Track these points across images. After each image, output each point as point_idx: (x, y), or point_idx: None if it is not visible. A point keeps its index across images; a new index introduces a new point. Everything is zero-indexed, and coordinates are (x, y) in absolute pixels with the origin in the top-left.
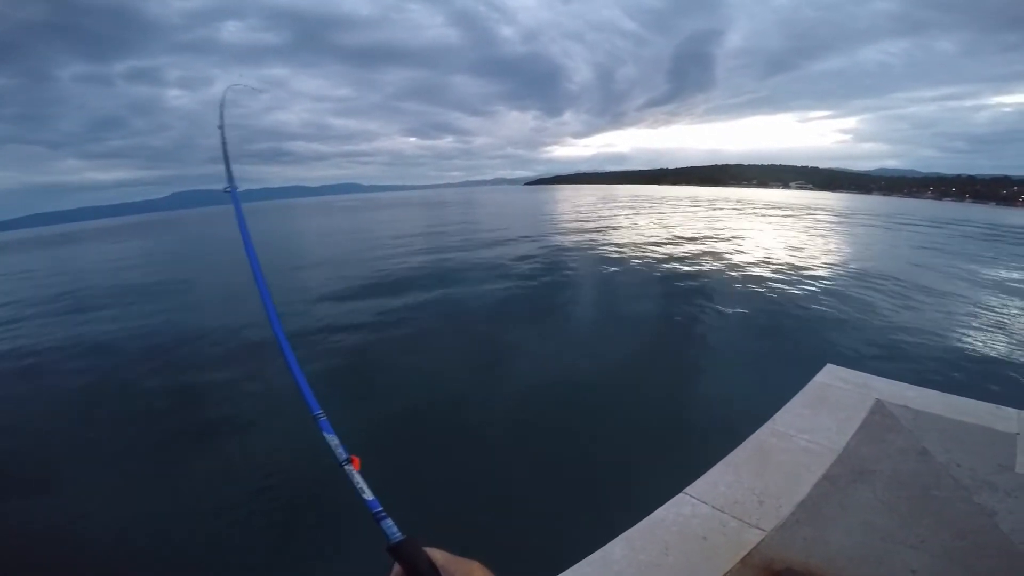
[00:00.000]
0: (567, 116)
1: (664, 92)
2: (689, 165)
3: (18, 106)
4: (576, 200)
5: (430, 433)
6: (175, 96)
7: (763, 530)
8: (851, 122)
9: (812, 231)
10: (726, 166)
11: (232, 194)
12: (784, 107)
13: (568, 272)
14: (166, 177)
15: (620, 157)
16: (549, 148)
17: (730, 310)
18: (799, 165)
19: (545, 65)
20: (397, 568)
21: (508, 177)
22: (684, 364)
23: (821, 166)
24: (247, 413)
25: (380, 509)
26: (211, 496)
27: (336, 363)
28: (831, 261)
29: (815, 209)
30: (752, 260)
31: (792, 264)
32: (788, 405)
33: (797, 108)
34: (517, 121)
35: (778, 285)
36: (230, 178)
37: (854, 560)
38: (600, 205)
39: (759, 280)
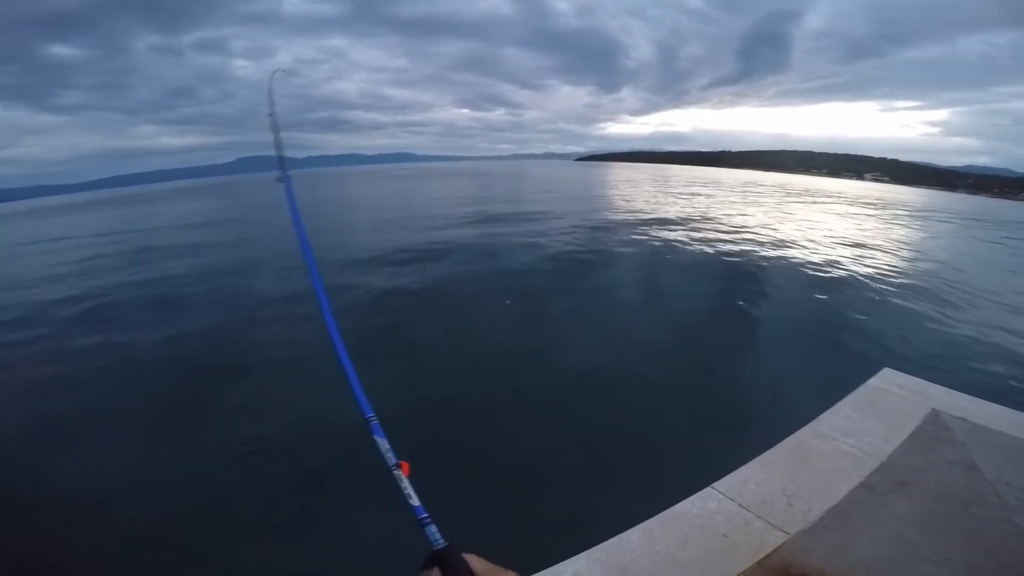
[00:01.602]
0: (624, 93)
1: (731, 72)
2: (753, 149)
3: (98, 76)
4: (630, 178)
5: (456, 405)
6: (241, 66)
7: (787, 533)
8: (942, 114)
9: (882, 226)
10: (794, 152)
11: (285, 184)
12: (866, 94)
13: (614, 251)
14: (232, 143)
15: (679, 137)
16: (603, 125)
17: (784, 303)
18: (876, 156)
19: (602, 41)
20: (437, 574)
21: (558, 152)
22: (729, 356)
23: (903, 158)
24: (283, 379)
25: (426, 515)
26: (237, 460)
27: (363, 327)
28: (900, 260)
29: (890, 204)
30: (811, 252)
31: (855, 260)
32: (836, 407)
33: (880, 96)
34: (570, 96)
35: (838, 281)
36: (283, 167)
37: (874, 572)
38: (656, 185)
39: (817, 274)
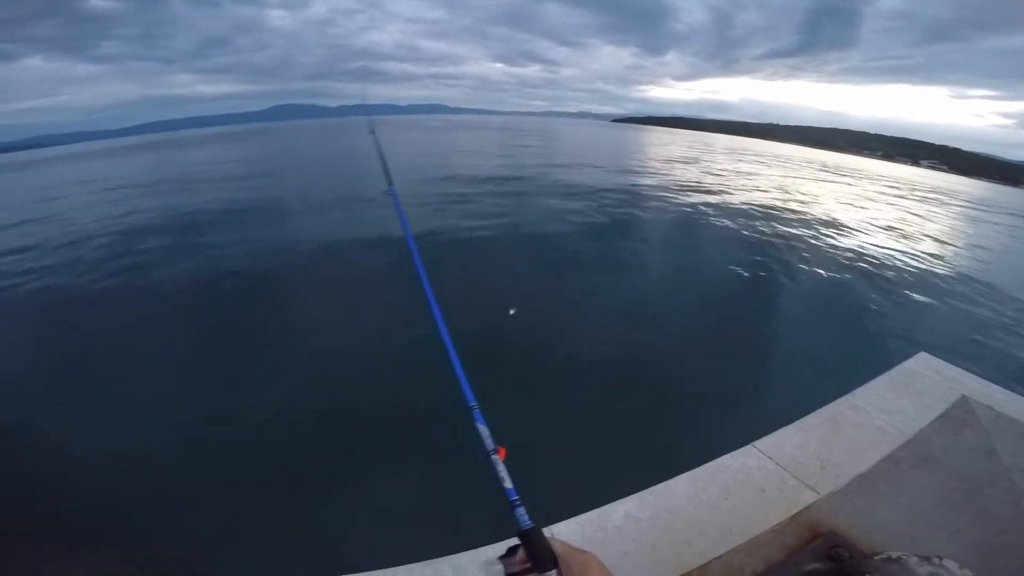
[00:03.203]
0: (670, 57)
1: (790, 44)
2: (804, 124)
3: (136, 27)
4: (671, 143)
5: (501, 355)
6: (276, 16)
7: (818, 493)
8: (1018, 106)
9: (935, 214)
10: (847, 131)
11: (392, 196)
12: (937, 79)
13: (660, 214)
14: (267, 91)
15: (724, 105)
16: (644, 87)
17: (828, 281)
18: (937, 143)
19: (651, 2)
20: (521, 553)
21: (594, 111)
22: (773, 325)
23: (965, 148)
24: (328, 323)
25: (516, 498)
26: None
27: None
28: (948, 250)
29: (945, 192)
30: (857, 233)
31: (900, 245)
32: (871, 383)
33: (953, 83)
34: (611, 56)
35: (883, 264)
36: (389, 181)
37: (890, 535)
38: (699, 153)
39: (862, 255)
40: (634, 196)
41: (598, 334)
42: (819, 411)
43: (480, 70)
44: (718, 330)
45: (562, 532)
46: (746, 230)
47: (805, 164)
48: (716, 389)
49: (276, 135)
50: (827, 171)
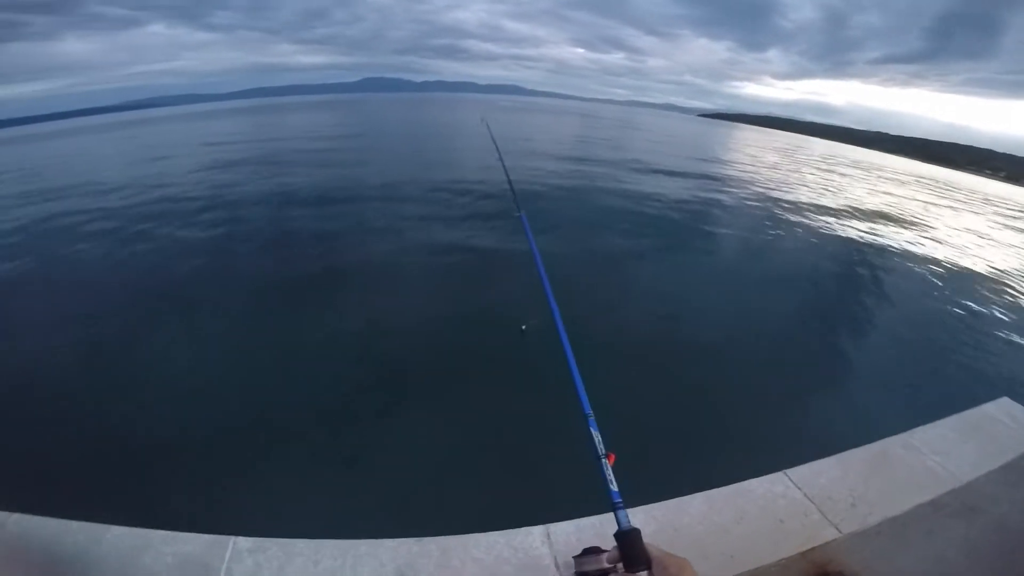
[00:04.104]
0: (771, 54)
1: (912, 50)
2: (916, 136)
3: None
4: (769, 146)
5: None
6: None
7: (840, 531)
8: None
9: None
10: (969, 147)
11: (521, 219)
12: None
13: (728, 219)
14: (358, 64)
15: (827, 109)
16: (739, 84)
17: (912, 307)
18: None
19: None
20: (613, 553)
21: (680, 105)
22: (840, 348)
23: None
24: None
25: (620, 500)
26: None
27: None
28: None
29: None
30: (954, 257)
31: (1006, 277)
32: (938, 423)
33: None
34: (704, 49)
35: (979, 296)
36: (517, 206)
37: None
38: (799, 158)
39: (953, 286)
40: (720, 194)
41: (639, 333)
42: (868, 446)
43: (559, 53)
44: (775, 348)
45: (558, 532)
46: (829, 240)
47: (912, 177)
48: (761, 408)
49: (373, 108)
50: (937, 187)
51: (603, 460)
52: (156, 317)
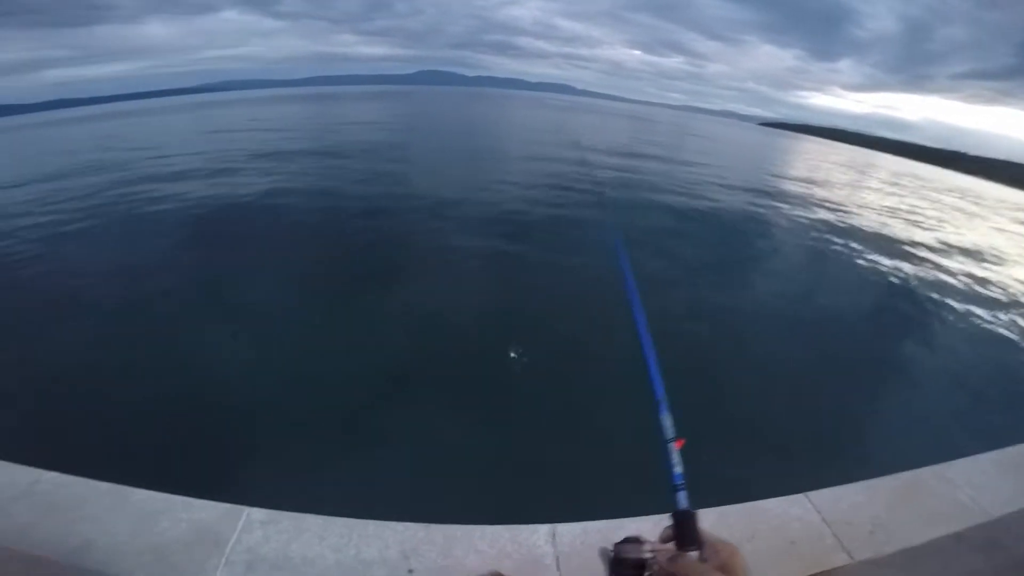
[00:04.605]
0: (843, 64)
1: (1002, 66)
2: (1003, 158)
3: None
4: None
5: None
6: None
7: (852, 558)
8: None
9: None
10: None
11: (616, 244)
12: None
13: (773, 227)
14: (415, 56)
15: (901, 124)
16: (805, 93)
17: (965, 336)
18: None
19: (825, 3)
20: (667, 530)
21: (739, 112)
22: (880, 375)
23: None
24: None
25: (682, 482)
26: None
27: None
28: None
29: None
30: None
31: None
32: (977, 457)
33: None
34: (770, 56)
35: None
36: (613, 230)
37: None
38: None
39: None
40: (767, 202)
41: (680, 340)
42: (899, 474)
43: (615, 55)
44: (821, 366)
45: (564, 533)
46: (881, 266)
47: (996, 201)
48: (795, 428)
49: (436, 100)
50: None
51: (670, 444)
52: (199, 294)
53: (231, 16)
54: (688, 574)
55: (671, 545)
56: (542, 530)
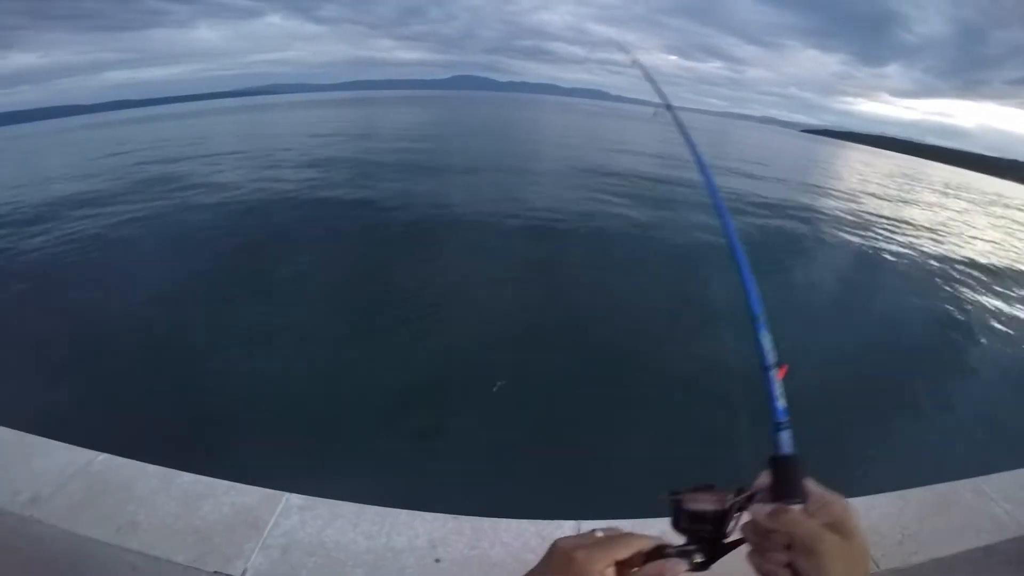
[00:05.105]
0: (891, 69)
1: None
2: None
3: None
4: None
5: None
6: None
7: (878, 567)
8: None
9: None
10: None
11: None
12: None
13: (821, 235)
14: (449, 61)
15: (954, 131)
16: (851, 100)
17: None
18: None
19: (874, 7)
20: (764, 478)
21: (781, 119)
22: (923, 387)
23: None
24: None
25: (785, 420)
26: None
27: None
28: None
29: None
30: None
31: None
32: (1015, 472)
33: None
34: (813, 61)
35: None
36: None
37: None
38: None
39: None
40: (791, 210)
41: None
42: (934, 486)
43: (650, 60)
44: (866, 376)
45: (588, 528)
46: (935, 279)
47: None
48: (833, 436)
49: (471, 106)
50: None
51: (771, 372)
52: (249, 291)
53: (275, 21)
54: (799, 533)
55: (752, 500)
56: (567, 525)
